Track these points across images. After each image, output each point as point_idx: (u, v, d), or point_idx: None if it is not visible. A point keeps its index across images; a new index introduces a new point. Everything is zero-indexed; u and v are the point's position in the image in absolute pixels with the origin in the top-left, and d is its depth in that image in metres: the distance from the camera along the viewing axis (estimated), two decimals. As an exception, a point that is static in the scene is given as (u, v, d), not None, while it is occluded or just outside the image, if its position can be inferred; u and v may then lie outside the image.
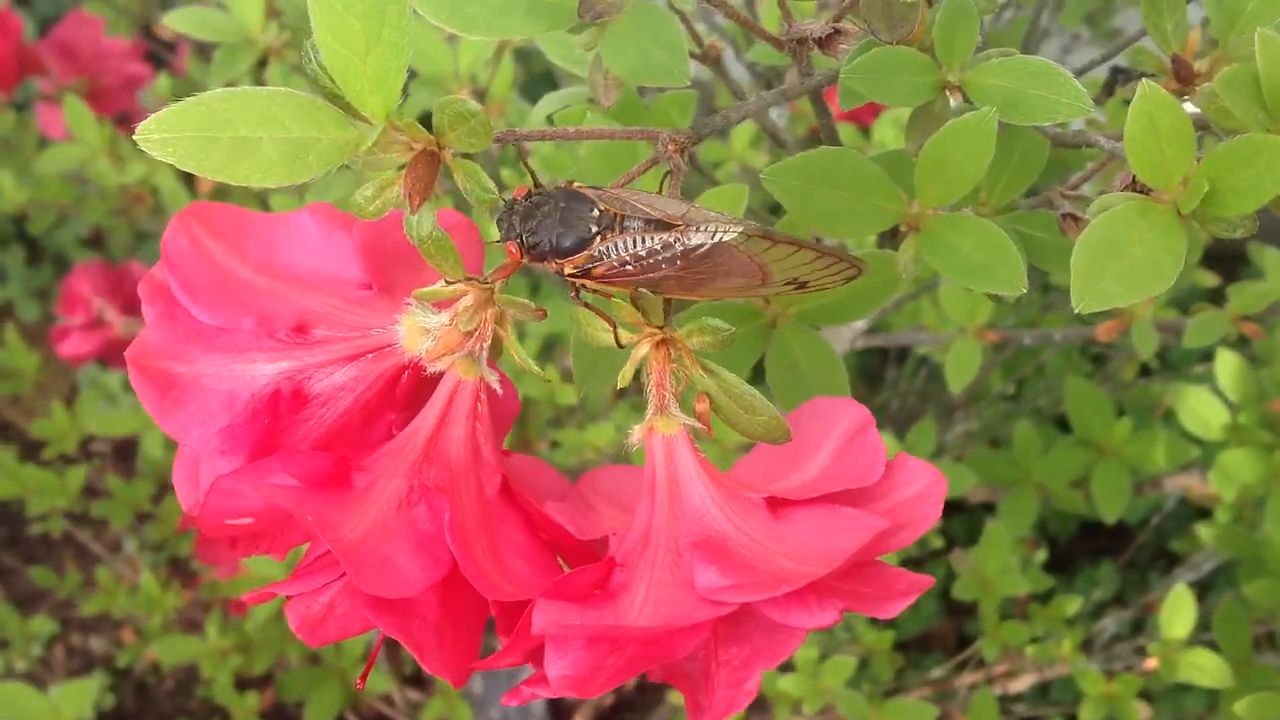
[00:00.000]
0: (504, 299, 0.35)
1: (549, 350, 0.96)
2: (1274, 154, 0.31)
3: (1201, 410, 0.82)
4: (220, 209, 0.37)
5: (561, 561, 0.36)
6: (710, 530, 0.33)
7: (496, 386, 0.36)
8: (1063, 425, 1.07)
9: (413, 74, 0.72)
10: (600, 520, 0.36)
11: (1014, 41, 0.92)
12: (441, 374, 0.36)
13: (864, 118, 0.94)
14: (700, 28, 0.43)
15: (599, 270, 0.34)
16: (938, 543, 1.12)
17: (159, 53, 1.17)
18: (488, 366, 0.36)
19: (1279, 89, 0.32)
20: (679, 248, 0.34)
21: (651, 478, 0.34)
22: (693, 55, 0.45)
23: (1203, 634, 0.90)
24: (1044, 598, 0.93)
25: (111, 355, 1.16)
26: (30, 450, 1.28)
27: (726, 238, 0.34)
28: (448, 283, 0.35)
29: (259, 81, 0.84)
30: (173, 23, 0.66)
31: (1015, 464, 0.91)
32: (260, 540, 0.36)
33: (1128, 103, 0.53)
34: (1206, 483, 0.89)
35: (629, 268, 0.34)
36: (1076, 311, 0.32)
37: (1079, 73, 0.57)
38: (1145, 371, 1.08)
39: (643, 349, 0.35)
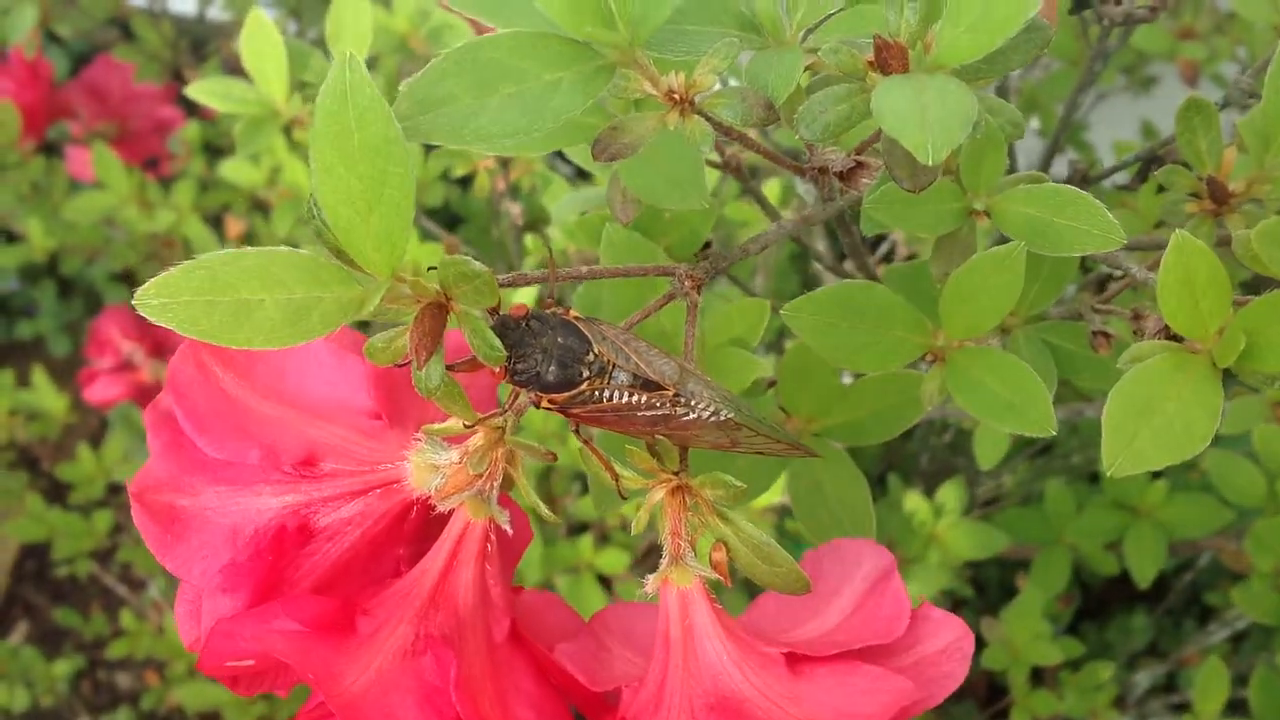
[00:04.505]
0: (514, 441, 0.34)
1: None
2: (1316, 310, 0.30)
3: (1238, 478, 0.81)
4: (229, 336, 0.36)
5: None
6: (726, 690, 0.32)
7: (507, 527, 0.35)
8: (1096, 481, 1.05)
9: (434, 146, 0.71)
10: (613, 663, 0.35)
11: (1050, 98, 0.91)
12: (450, 512, 0.35)
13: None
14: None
15: (576, 410, 0.33)
16: (968, 591, 1.10)
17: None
18: (498, 506, 0.35)
19: (1321, 242, 0.31)
20: (661, 411, 0.33)
21: (665, 632, 0.33)
22: (713, 165, 0.44)
23: (1238, 689, 0.88)
24: (1076, 663, 0.91)
25: (140, 399, 1.16)
26: (57, 488, 1.29)
27: (710, 420, 0.33)
28: (466, 427, 0.34)
29: (290, 145, 0.83)
30: (195, 93, 0.66)
31: (1047, 524, 0.90)
32: (263, 679, 0.35)
33: (1161, 190, 0.51)
34: (1241, 549, 0.87)
35: (606, 416, 0.33)
36: (1108, 475, 0.30)
37: (1110, 171, 0.55)
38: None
39: (657, 495, 0.34)
